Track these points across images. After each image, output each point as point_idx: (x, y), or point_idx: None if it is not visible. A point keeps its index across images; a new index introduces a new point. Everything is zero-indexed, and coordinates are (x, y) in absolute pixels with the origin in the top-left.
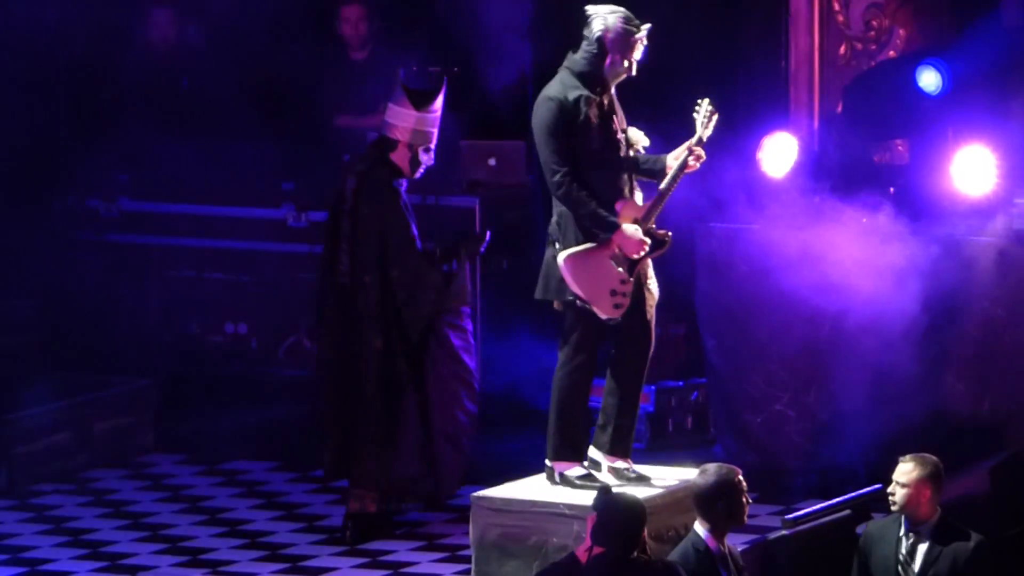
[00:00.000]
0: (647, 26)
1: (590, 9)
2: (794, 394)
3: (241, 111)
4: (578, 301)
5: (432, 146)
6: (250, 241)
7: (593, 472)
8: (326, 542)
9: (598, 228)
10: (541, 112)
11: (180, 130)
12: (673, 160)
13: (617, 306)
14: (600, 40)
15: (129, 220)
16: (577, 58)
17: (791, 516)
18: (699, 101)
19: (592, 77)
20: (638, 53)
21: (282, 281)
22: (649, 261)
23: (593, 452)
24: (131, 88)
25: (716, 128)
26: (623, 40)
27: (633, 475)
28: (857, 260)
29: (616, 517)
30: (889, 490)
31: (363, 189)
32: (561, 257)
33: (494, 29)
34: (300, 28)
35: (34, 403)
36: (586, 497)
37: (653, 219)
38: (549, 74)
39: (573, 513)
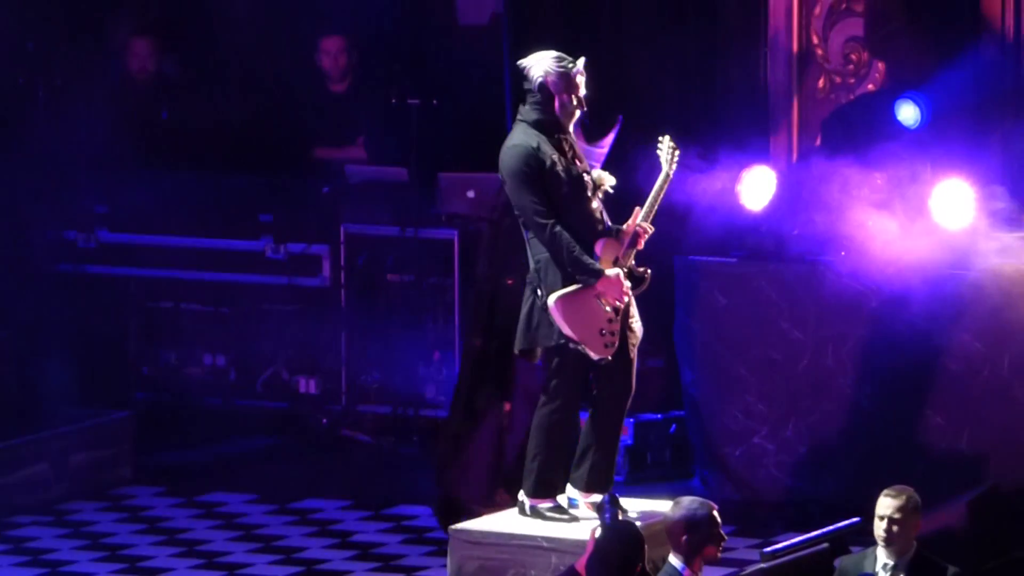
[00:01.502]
0: (581, 60)
1: (523, 62)
2: (773, 427)
3: (220, 142)
4: (570, 343)
5: None
6: (228, 273)
7: (566, 507)
8: (304, 575)
9: (582, 274)
10: (509, 160)
11: (158, 161)
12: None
13: (608, 345)
14: (543, 86)
15: (107, 251)
16: (527, 109)
17: (769, 549)
18: (660, 138)
19: (547, 124)
20: (582, 88)
21: (260, 313)
22: (632, 299)
23: (570, 490)
24: (109, 118)
25: (695, 161)
26: (564, 79)
27: None
28: (836, 293)
29: (613, 546)
30: (882, 527)
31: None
32: (552, 299)
33: (473, 62)
34: (278, 60)
35: (11, 435)
36: (564, 530)
37: (632, 256)
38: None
39: (551, 546)
